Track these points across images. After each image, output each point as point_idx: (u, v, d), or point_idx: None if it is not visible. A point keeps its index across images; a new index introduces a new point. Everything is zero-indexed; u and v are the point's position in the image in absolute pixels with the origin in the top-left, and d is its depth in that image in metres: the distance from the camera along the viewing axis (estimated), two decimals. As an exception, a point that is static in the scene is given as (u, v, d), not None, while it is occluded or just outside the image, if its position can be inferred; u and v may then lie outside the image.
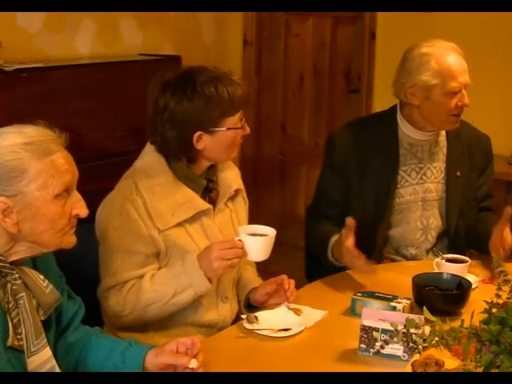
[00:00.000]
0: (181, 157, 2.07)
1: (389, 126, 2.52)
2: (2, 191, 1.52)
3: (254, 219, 2.20)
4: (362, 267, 2.23)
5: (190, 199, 2.06)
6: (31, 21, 3.53)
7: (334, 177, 2.54)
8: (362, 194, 2.50)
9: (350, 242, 2.21)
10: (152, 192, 2.02)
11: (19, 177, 1.52)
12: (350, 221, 2.21)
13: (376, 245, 2.50)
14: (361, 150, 2.50)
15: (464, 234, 2.57)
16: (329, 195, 2.56)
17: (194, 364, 1.68)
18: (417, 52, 2.42)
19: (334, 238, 2.34)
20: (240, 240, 1.93)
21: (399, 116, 2.52)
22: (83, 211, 1.62)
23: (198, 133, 2.02)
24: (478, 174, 2.61)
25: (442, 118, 2.44)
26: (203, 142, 2.03)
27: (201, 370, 1.71)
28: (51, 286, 1.63)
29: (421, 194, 2.53)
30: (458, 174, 2.55)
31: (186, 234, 2.06)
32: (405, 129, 2.50)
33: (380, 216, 2.49)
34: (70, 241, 1.63)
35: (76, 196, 1.61)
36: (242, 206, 2.26)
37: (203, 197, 2.11)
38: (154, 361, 1.72)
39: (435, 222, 2.56)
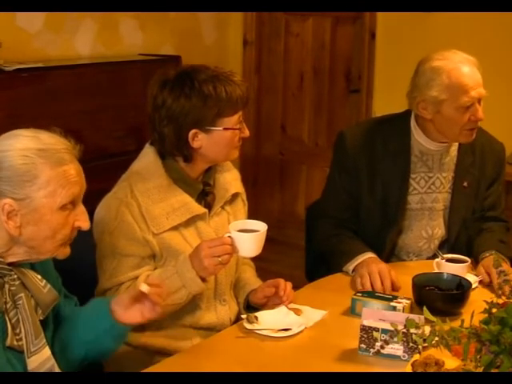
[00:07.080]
0: (176, 155, 2.07)
1: (401, 131, 2.46)
2: (11, 193, 1.52)
3: (253, 219, 2.19)
4: None
5: (185, 203, 2.06)
6: (31, 21, 3.54)
7: (344, 177, 2.49)
8: (372, 196, 2.45)
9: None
10: (147, 195, 2.02)
11: (30, 181, 1.53)
12: None
13: (384, 250, 2.46)
14: (371, 151, 2.45)
15: (465, 245, 2.52)
16: (338, 196, 2.50)
17: (144, 288, 1.64)
18: (428, 66, 2.34)
19: (364, 256, 2.32)
20: (230, 236, 1.92)
21: (413, 123, 2.45)
22: (86, 224, 1.63)
23: (193, 130, 2.01)
24: (488, 184, 2.55)
25: (456, 132, 2.36)
26: (199, 140, 2.03)
27: (153, 297, 1.66)
28: (49, 286, 1.64)
29: (428, 204, 2.48)
30: (465, 184, 2.49)
31: (181, 237, 2.06)
32: (417, 136, 2.44)
33: (388, 220, 2.45)
34: (65, 252, 1.63)
35: (80, 208, 1.62)
36: (240, 208, 2.26)
37: (199, 200, 2.11)
38: (117, 299, 1.70)
39: (440, 231, 2.52)
